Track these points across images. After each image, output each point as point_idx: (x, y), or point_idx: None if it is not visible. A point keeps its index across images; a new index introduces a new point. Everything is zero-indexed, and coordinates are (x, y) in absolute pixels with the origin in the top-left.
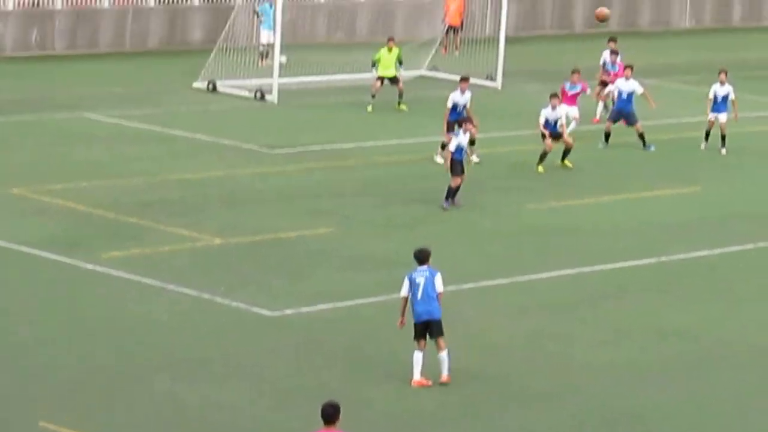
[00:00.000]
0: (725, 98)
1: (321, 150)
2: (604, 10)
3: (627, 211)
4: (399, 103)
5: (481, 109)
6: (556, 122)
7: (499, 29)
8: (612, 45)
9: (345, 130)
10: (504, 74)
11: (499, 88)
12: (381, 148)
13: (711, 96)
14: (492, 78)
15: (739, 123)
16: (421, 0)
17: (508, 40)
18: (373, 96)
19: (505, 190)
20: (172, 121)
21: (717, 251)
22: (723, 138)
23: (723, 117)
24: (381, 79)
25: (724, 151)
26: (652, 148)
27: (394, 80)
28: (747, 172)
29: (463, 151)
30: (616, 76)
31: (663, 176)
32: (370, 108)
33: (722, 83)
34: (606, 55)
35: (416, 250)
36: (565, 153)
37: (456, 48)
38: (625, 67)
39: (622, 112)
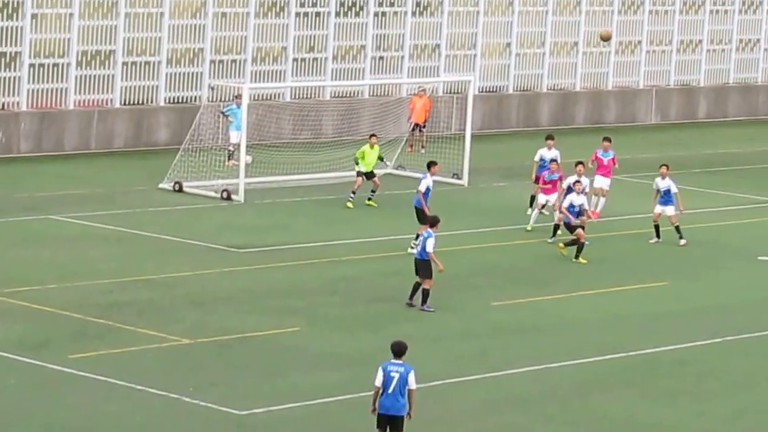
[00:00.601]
0: (668, 192)
1: (288, 249)
2: (608, 31)
3: (594, 306)
4: (369, 199)
5: (447, 207)
6: (580, 207)
7: (464, 127)
8: (606, 144)
9: (311, 228)
10: (470, 172)
11: (466, 185)
12: (347, 246)
13: (655, 188)
14: (458, 176)
15: (708, 217)
16: (387, 99)
17: (473, 137)
18: (354, 193)
19: (472, 287)
20: (139, 222)
21: (685, 345)
22: (677, 229)
23: (670, 210)
24: (363, 175)
25: (683, 242)
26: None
27: (370, 175)
28: (714, 266)
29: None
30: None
31: (630, 271)
32: (350, 204)
33: (663, 177)
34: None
35: (393, 342)
36: (579, 248)
37: (422, 146)
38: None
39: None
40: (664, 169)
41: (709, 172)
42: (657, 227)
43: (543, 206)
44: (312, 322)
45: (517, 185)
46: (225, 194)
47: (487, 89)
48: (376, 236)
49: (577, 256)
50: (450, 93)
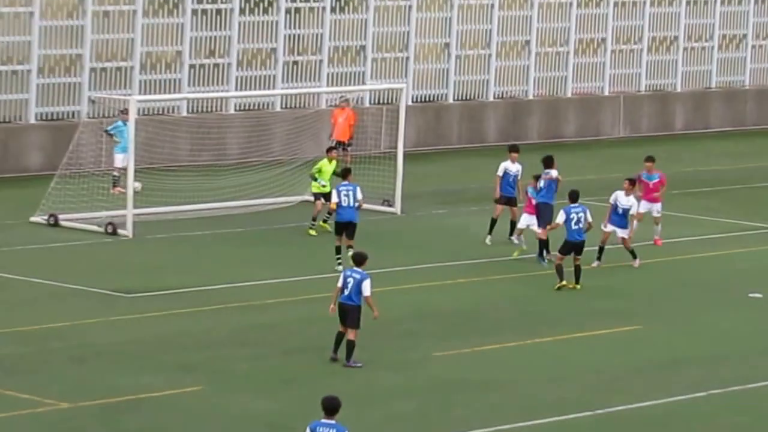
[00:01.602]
0: (626, 211)
1: (186, 293)
2: None
3: (553, 357)
4: (325, 221)
5: (377, 239)
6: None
7: (396, 144)
8: (649, 164)
9: (213, 268)
10: (404, 197)
11: (399, 213)
12: (259, 288)
13: (612, 203)
14: (389, 203)
15: (689, 248)
16: (303, 112)
17: (407, 156)
18: (314, 219)
19: (408, 335)
20: (6, 264)
21: (662, 401)
22: (632, 252)
23: (623, 233)
24: (321, 196)
25: (636, 263)
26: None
27: (328, 195)
28: (696, 306)
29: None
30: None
31: (596, 313)
32: (313, 231)
33: (627, 193)
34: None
35: (325, 398)
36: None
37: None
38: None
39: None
40: (627, 185)
41: (688, 193)
42: (602, 249)
43: (521, 231)
44: (217, 380)
45: (460, 212)
46: (110, 228)
47: (423, 98)
48: (295, 276)
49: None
50: (378, 104)
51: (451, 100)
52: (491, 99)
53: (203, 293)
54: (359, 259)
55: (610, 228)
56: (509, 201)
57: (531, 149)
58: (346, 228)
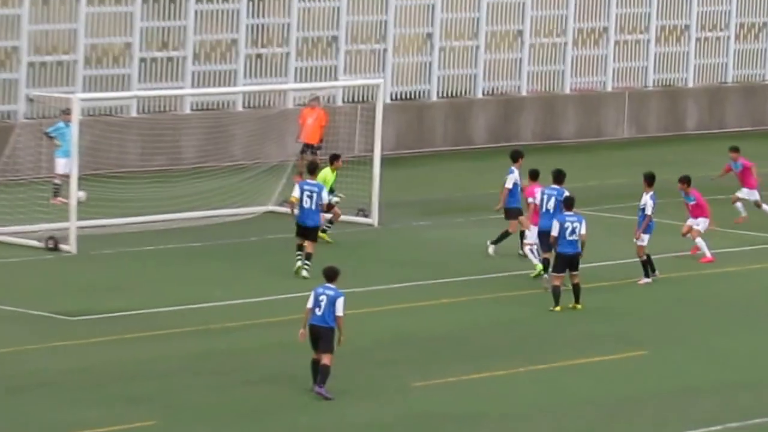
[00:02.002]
0: (642, 211)
1: (136, 315)
2: None
3: (549, 387)
4: (324, 231)
5: (351, 254)
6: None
7: (373, 147)
8: (734, 155)
9: (167, 287)
10: (381, 207)
11: (376, 225)
12: (216, 310)
13: (650, 210)
14: (365, 213)
15: (693, 263)
16: (267, 111)
17: (385, 161)
18: (331, 222)
19: (387, 363)
20: None
21: None
22: (643, 264)
23: (644, 239)
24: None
25: (644, 280)
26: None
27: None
28: (710, 329)
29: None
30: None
31: (598, 337)
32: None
33: (646, 190)
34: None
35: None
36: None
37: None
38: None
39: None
40: (645, 184)
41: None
42: (645, 264)
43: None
44: (171, 414)
45: (445, 224)
46: (51, 243)
47: (403, 96)
48: (258, 296)
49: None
50: (353, 102)
51: (434, 98)
52: (480, 96)
53: (155, 316)
54: (331, 275)
55: (644, 239)
56: (519, 212)
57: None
58: (305, 233)
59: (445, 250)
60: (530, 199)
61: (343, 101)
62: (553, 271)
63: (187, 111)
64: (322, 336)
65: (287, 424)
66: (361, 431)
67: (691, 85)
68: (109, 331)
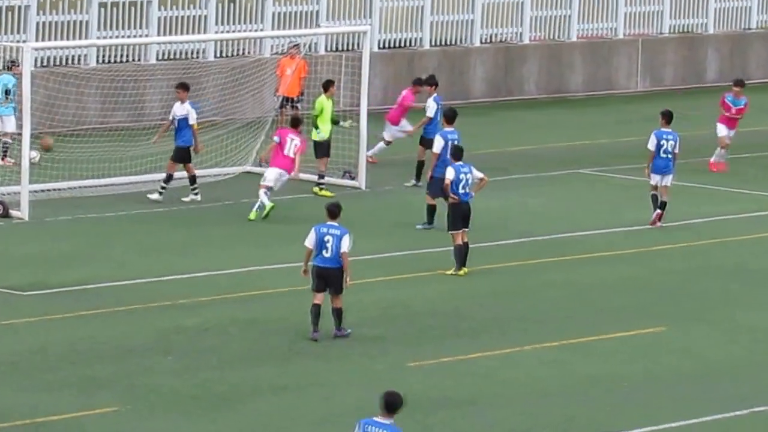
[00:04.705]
0: (667, 152)
1: (96, 289)
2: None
3: (556, 366)
4: (319, 186)
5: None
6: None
7: (359, 101)
8: (737, 89)
9: (130, 257)
10: (369, 168)
11: (363, 188)
12: (186, 283)
13: (652, 147)
14: (351, 175)
15: (727, 228)
16: (242, 61)
17: (373, 117)
18: (323, 177)
19: (376, 341)
20: None
21: (696, 421)
22: (662, 205)
23: (667, 179)
24: (324, 147)
25: (659, 212)
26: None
27: (324, 148)
28: (734, 303)
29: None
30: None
31: (610, 311)
32: (327, 192)
33: (663, 124)
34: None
35: (385, 393)
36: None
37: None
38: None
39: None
40: (663, 121)
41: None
42: (655, 197)
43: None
44: (135, 399)
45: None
46: (0, 209)
47: (392, 44)
48: (232, 267)
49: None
50: (336, 51)
51: (427, 46)
52: (477, 44)
53: (117, 289)
54: (336, 211)
55: (654, 178)
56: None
57: (526, 105)
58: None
59: (440, 215)
60: (276, 138)
61: (326, 50)
62: (451, 228)
63: (153, 61)
64: (331, 278)
65: (266, 408)
66: (351, 415)
67: (711, 31)
68: (65, 307)
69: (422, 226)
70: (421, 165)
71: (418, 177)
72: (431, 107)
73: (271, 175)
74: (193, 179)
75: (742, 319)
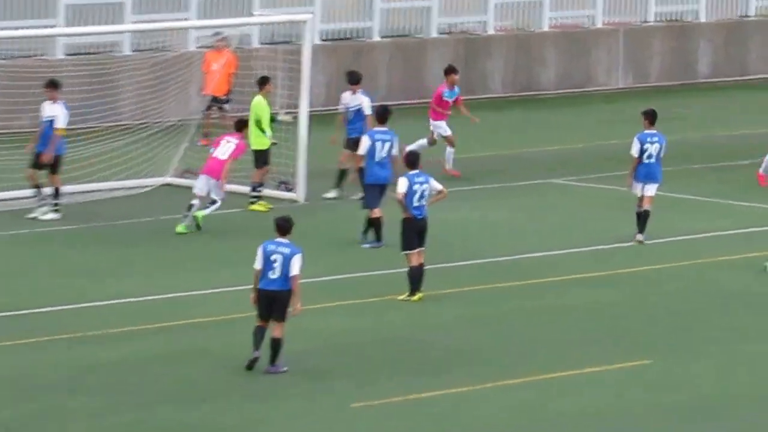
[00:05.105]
0: (651, 156)
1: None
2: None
3: (527, 406)
4: (253, 202)
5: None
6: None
7: (299, 101)
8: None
9: (35, 282)
10: (309, 178)
11: (302, 201)
12: (100, 311)
13: (635, 152)
14: (288, 186)
15: (719, 246)
16: (162, 55)
17: (315, 119)
18: (261, 186)
19: (318, 377)
20: None
21: None
22: (643, 216)
23: (651, 189)
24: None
25: (640, 236)
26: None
27: (262, 157)
28: (722, 332)
29: None
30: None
31: (588, 341)
32: (261, 207)
33: (647, 125)
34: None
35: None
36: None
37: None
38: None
39: None
40: (645, 122)
41: (716, 168)
42: (641, 215)
43: None
44: None
45: (387, 198)
46: None
47: (337, 35)
48: (153, 293)
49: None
50: (272, 44)
51: (376, 37)
52: (434, 35)
53: (22, 319)
54: (286, 226)
55: (637, 187)
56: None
57: (490, 107)
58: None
59: (391, 231)
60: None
61: (260, 43)
62: (405, 248)
63: (60, 56)
64: (276, 302)
65: None
66: None
67: (703, 19)
68: None
69: (370, 244)
70: (343, 174)
71: (339, 186)
72: (367, 104)
73: (199, 183)
74: (56, 193)
75: (736, 350)
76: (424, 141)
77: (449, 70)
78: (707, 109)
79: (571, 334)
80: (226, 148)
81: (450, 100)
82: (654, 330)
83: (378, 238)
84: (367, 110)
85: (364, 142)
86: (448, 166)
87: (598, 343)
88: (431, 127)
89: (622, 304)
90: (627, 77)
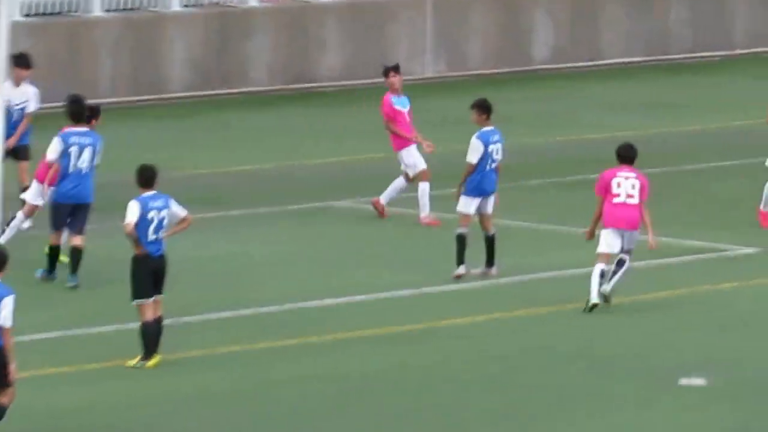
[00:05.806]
0: (496, 159)
1: None
2: None
3: None
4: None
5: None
6: None
7: None
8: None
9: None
10: (6, 202)
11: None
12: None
13: (475, 158)
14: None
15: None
16: None
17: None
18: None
19: None
20: None
21: None
22: (490, 242)
23: (491, 204)
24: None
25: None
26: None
27: None
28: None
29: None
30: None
31: (397, 422)
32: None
33: (482, 120)
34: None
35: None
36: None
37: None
38: None
39: None
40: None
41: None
42: (462, 238)
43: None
44: None
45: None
46: None
47: (45, 9)
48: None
49: None
50: None
51: (97, 12)
52: (177, 8)
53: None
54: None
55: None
56: None
57: (253, 101)
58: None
59: (111, 269)
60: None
61: None
62: (136, 296)
63: None
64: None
65: None
66: None
67: None
68: None
69: (42, 272)
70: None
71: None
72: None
73: None
74: None
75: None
76: (398, 182)
77: (388, 70)
78: (545, 104)
79: (370, 414)
80: None
81: (404, 110)
82: (484, 401)
83: (51, 269)
84: (32, 106)
85: (55, 146)
86: (424, 213)
87: (411, 425)
88: (399, 160)
89: (442, 367)
90: (437, 63)
